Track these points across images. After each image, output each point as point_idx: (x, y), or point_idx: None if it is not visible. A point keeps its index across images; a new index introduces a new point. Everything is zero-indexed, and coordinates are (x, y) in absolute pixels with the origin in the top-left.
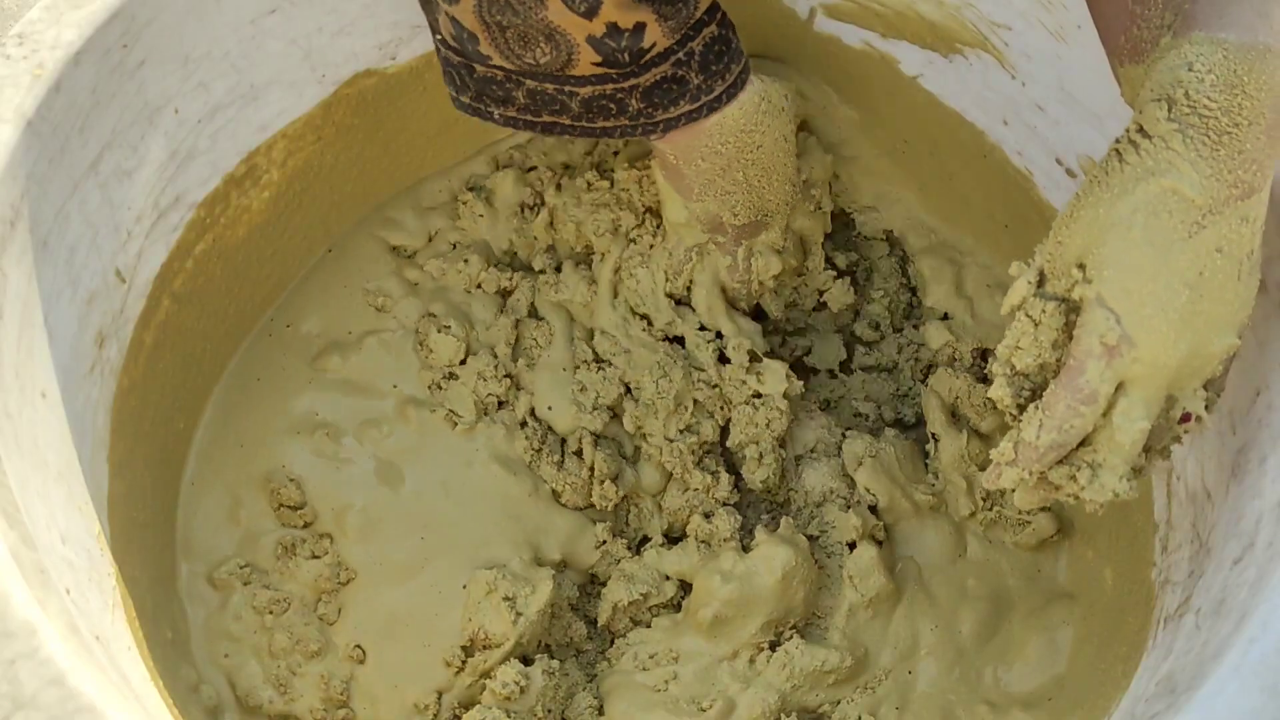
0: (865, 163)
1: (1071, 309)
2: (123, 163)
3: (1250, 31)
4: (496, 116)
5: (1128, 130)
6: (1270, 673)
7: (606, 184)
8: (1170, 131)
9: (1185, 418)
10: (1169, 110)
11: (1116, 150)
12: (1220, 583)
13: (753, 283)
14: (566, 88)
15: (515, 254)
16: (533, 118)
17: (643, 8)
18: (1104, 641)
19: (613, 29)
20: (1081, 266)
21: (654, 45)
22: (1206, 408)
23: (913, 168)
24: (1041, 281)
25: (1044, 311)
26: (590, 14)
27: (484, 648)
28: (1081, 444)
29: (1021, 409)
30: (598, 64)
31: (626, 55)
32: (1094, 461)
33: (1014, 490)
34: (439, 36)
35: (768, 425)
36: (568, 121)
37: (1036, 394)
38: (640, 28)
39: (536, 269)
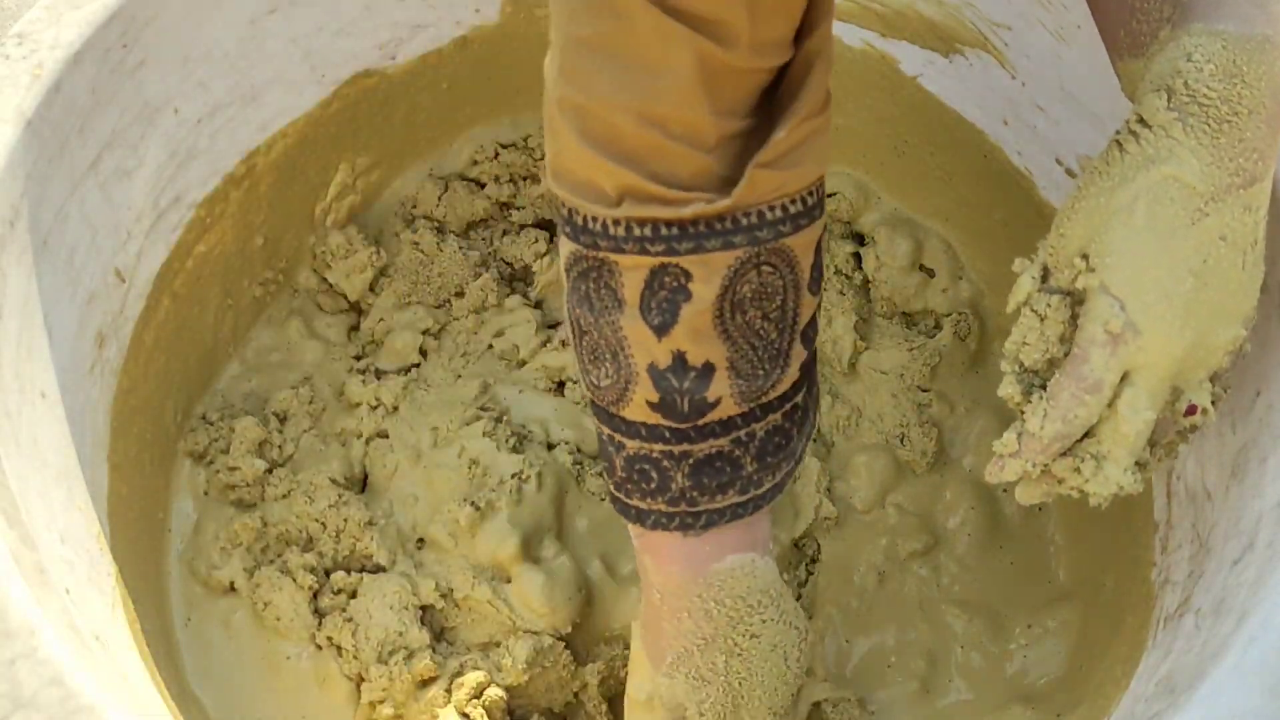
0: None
1: (1077, 302)
2: (122, 163)
3: (1248, 23)
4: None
5: (1127, 121)
6: (1270, 673)
7: None
8: (1170, 120)
9: (1191, 410)
10: (1168, 99)
11: (1116, 141)
12: (1220, 583)
13: None
14: (617, 435)
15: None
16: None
17: (719, 345)
18: (1104, 641)
19: (678, 361)
20: (1085, 257)
21: (719, 403)
22: (1213, 402)
23: (912, 167)
24: (1045, 277)
25: (1049, 306)
26: (662, 331)
27: None
28: (1086, 436)
29: None
30: (653, 405)
31: (686, 403)
32: (1098, 453)
33: (1017, 484)
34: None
35: None
36: (611, 488)
37: (1045, 390)
38: (709, 371)
39: None
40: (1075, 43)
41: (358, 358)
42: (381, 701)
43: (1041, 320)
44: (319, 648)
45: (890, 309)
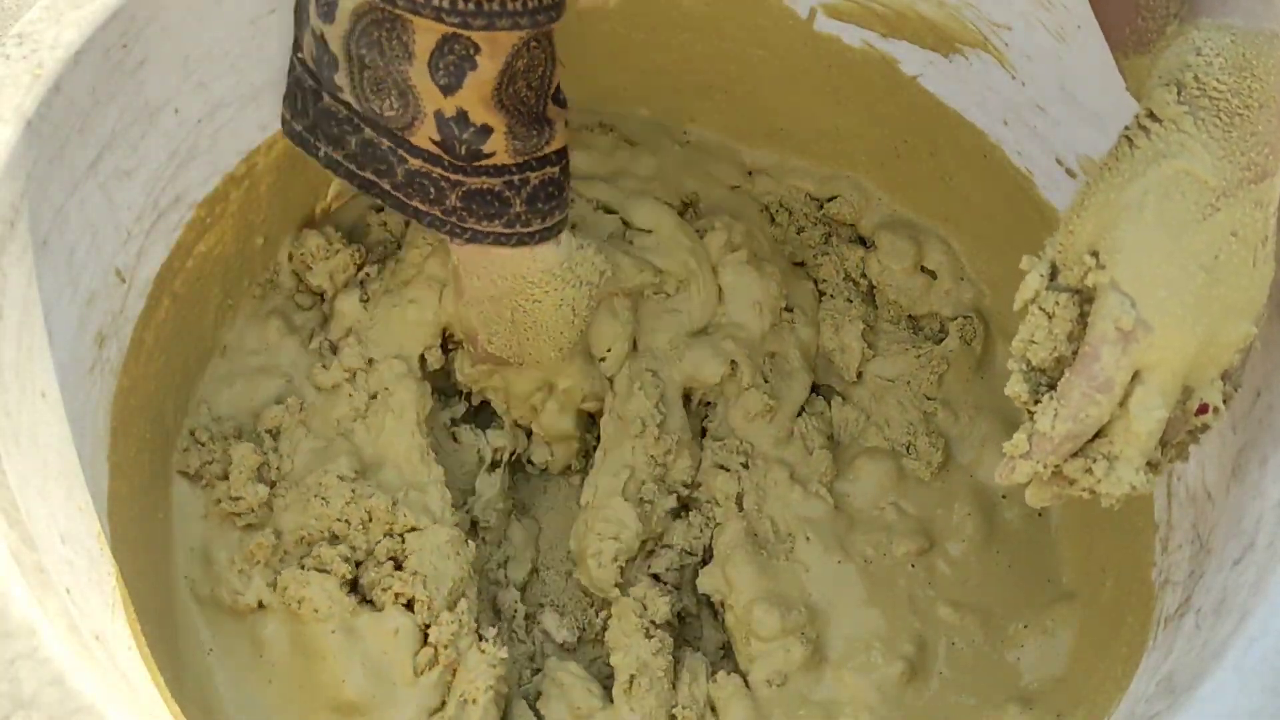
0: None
1: (1085, 300)
2: (123, 163)
3: (1256, 18)
4: (321, 154)
5: (1136, 116)
6: (1270, 673)
7: None
8: (1180, 114)
9: (1202, 409)
10: (1178, 93)
11: (1126, 136)
12: (1220, 583)
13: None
14: (399, 150)
15: None
16: (356, 169)
17: (498, 115)
18: (1104, 641)
19: (461, 117)
20: (1094, 253)
21: (493, 155)
22: (1224, 401)
23: (912, 167)
24: (1053, 274)
25: (1057, 304)
26: (448, 90)
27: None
28: (1097, 436)
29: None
30: (436, 142)
31: (463, 149)
32: (1110, 453)
33: (1026, 486)
34: (300, 54)
35: None
36: (387, 186)
37: (1054, 389)
38: (486, 131)
39: None
40: (1075, 43)
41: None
42: (447, 646)
43: (1050, 318)
44: (376, 605)
45: (897, 313)
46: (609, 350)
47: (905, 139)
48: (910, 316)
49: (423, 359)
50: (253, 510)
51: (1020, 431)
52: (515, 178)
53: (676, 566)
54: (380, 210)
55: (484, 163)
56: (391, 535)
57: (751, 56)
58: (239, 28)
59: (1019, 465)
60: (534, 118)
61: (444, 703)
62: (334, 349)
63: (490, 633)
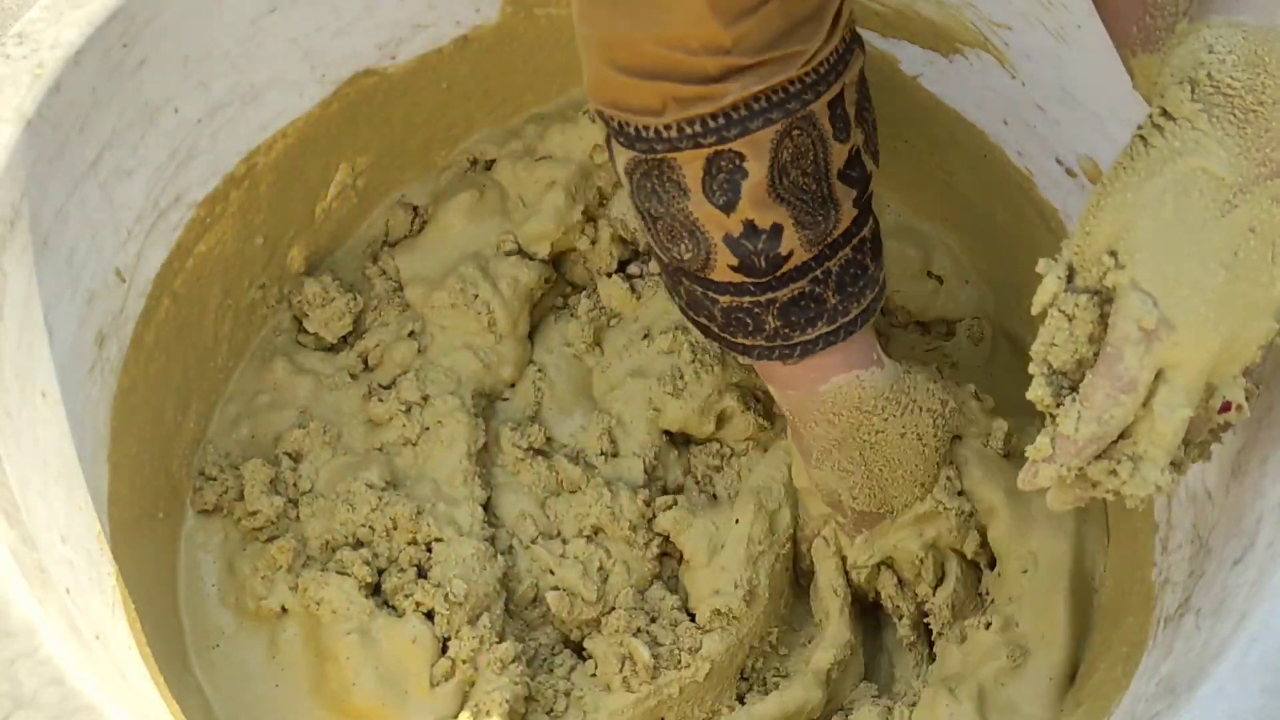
0: None
1: (1105, 300)
2: (123, 162)
3: (1267, 14)
4: (683, 311)
5: (1150, 115)
6: (1270, 673)
7: None
8: (1195, 112)
9: (1225, 407)
10: (1192, 91)
11: (1140, 136)
12: (1220, 583)
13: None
14: (710, 293)
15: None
16: (693, 315)
17: (780, 209)
18: (1104, 641)
19: (749, 228)
20: (1113, 253)
21: (791, 254)
22: (1247, 398)
23: (913, 168)
24: (1071, 276)
25: (1077, 306)
26: (728, 208)
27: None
28: (1121, 437)
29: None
30: (734, 268)
31: (763, 261)
32: (1135, 454)
33: (1049, 490)
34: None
35: None
36: (715, 330)
37: (1075, 392)
38: (778, 231)
39: None
40: (1075, 43)
41: (353, 376)
42: (465, 661)
43: (1070, 321)
44: (398, 612)
45: (906, 318)
46: None
47: (905, 139)
48: (919, 322)
49: (475, 394)
50: (272, 523)
51: (1043, 435)
52: (818, 271)
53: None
54: (376, 260)
55: (786, 268)
56: (416, 544)
57: None
58: (239, 28)
59: (1042, 470)
60: (819, 201)
61: (457, 717)
62: (385, 387)
63: (512, 650)
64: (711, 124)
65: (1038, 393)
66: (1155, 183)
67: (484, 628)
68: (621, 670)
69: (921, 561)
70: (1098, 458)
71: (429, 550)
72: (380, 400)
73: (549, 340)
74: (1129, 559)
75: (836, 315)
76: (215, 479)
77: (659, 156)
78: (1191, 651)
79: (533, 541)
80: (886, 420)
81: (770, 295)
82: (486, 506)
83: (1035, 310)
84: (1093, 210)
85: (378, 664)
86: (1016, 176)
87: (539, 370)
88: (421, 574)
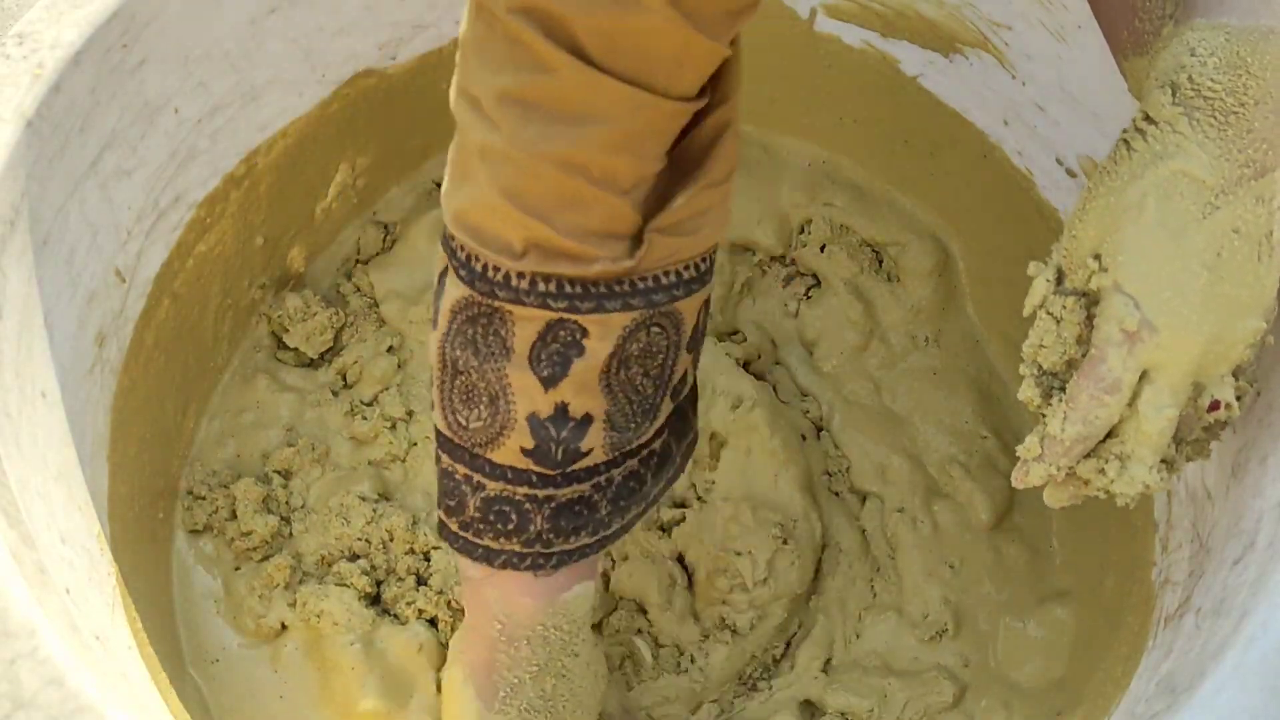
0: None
1: (1092, 303)
2: (123, 163)
3: (1252, 15)
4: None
5: (1134, 120)
6: (1270, 673)
7: None
8: (1175, 115)
9: (1214, 406)
10: (1173, 95)
11: (1124, 140)
12: (1220, 583)
13: None
14: (478, 475)
15: None
16: (441, 497)
17: (600, 398)
18: (1104, 641)
19: (559, 412)
20: (1097, 257)
21: (590, 453)
22: (1238, 397)
23: (913, 168)
24: (1060, 279)
25: (1065, 308)
26: (550, 383)
27: None
28: (1109, 436)
29: None
30: (527, 452)
31: (560, 452)
32: (1122, 453)
33: (1043, 488)
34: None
35: None
36: (457, 521)
37: (1065, 392)
38: (586, 423)
39: None
40: (1075, 43)
41: (334, 393)
42: None
43: (1058, 322)
44: (400, 620)
45: (906, 318)
46: None
47: (905, 139)
48: (916, 321)
49: None
50: (266, 542)
51: (1032, 435)
52: (603, 476)
53: None
54: (350, 277)
55: (578, 465)
56: (414, 553)
57: (751, 56)
58: (239, 28)
59: (1032, 468)
60: (645, 409)
61: None
62: (367, 404)
63: None
64: (569, 289)
65: (1027, 393)
66: (1137, 186)
67: None
68: (622, 668)
69: None
70: (1087, 457)
71: (427, 559)
72: (364, 419)
73: None
74: (1129, 559)
75: (600, 528)
76: (204, 498)
77: (495, 305)
78: (1191, 651)
79: None
80: (583, 643)
81: (550, 492)
82: None
83: (1025, 312)
84: (1078, 214)
85: (384, 672)
86: (1016, 176)
87: None
88: (421, 582)
